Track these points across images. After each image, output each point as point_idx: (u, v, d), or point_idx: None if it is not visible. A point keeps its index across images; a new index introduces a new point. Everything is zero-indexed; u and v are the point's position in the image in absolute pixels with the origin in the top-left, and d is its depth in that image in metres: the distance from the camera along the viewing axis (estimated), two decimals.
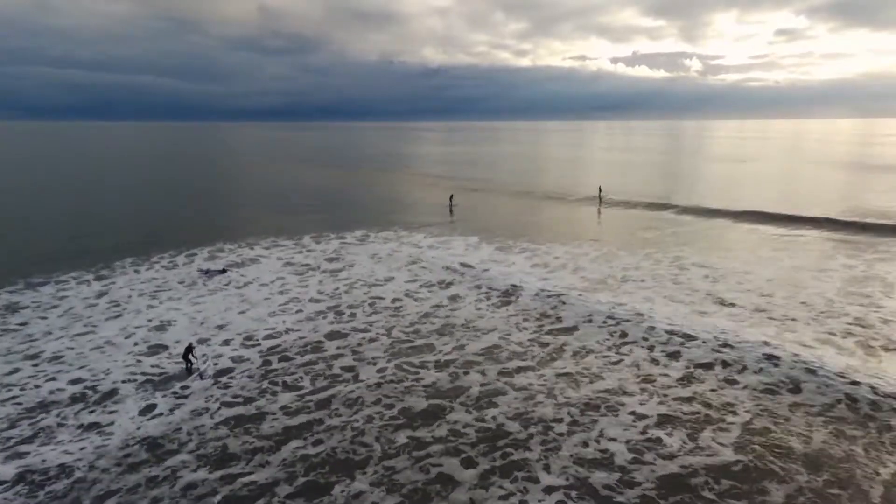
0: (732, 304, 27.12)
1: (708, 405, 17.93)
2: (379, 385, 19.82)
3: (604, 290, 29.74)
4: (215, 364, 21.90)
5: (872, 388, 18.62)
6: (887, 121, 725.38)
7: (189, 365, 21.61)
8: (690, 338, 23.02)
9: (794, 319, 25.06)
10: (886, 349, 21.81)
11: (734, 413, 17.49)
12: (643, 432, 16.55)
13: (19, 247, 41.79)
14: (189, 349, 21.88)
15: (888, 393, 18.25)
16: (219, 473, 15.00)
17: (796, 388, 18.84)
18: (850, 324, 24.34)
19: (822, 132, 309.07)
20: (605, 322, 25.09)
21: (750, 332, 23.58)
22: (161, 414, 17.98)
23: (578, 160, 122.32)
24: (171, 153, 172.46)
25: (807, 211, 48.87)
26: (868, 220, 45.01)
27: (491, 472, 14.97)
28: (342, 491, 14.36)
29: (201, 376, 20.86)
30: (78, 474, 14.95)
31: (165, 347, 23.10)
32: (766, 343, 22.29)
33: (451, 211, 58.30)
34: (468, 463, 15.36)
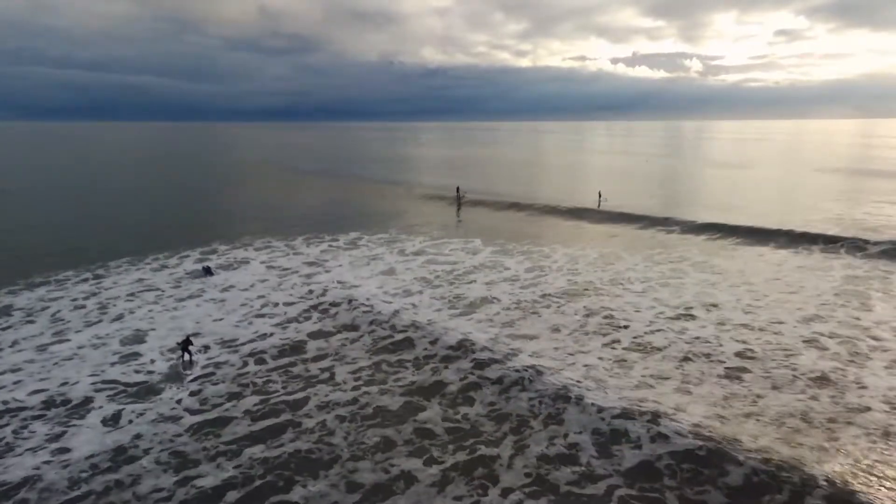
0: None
1: None
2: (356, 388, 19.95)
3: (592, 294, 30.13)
4: (204, 354, 22.58)
5: None
6: (887, 121, 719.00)
7: (189, 356, 22.07)
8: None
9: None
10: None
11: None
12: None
13: (21, 247, 42.17)
14: (187, 341, 22.27)
15: None
16: (181, 479, 15.06)
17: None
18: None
19: (822, 133, 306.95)
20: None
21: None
22: (129, 422, 17.86)
23: (578, 165, 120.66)
24: (172, 153, 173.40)
25: (809, 227, 43.71)
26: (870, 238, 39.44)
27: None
28: (302, 492, 14.53)
29: (186, 368, 21.53)
30: (40, 485, 14.87)
31: (139, 355, 22.88)
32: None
33: (458, 206, 57.40)
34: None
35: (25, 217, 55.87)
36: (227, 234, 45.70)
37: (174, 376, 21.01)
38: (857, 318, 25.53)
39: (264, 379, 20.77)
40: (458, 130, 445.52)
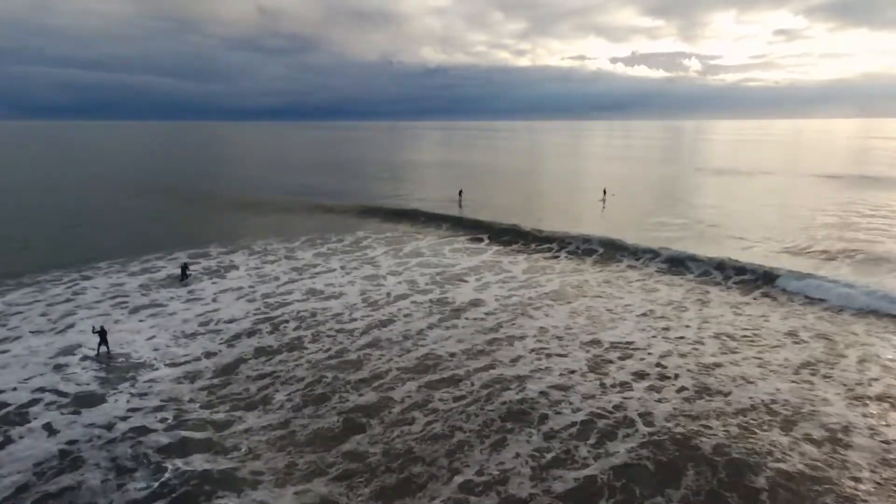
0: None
1: None
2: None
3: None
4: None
5: None
6: (888, 121, 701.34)
7: (106, 348, 22.19)
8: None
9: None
10: None
11: None
12: None
13: (20, 246, 41.77)
14: (103, 331, 22.28)
15: None
16: (121, 485, 14.73)
17: None
18: None
19: (824, 133, 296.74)
20: None
21: None
22: (65, 429, 17.26)
23: (579, 169, 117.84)
24: (174, 152, 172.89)
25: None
26: None
27: None
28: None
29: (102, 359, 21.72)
30: None
31: (80, 357, 22.29)
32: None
33: (459, 206, 56.88)
34: None
35: (26, 216, 55.42)
36: (227, 235, 44.63)
37: (99, 387, 20.14)
38: None
39: (189, 397, 19.61)
40: (457, 129, 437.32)
